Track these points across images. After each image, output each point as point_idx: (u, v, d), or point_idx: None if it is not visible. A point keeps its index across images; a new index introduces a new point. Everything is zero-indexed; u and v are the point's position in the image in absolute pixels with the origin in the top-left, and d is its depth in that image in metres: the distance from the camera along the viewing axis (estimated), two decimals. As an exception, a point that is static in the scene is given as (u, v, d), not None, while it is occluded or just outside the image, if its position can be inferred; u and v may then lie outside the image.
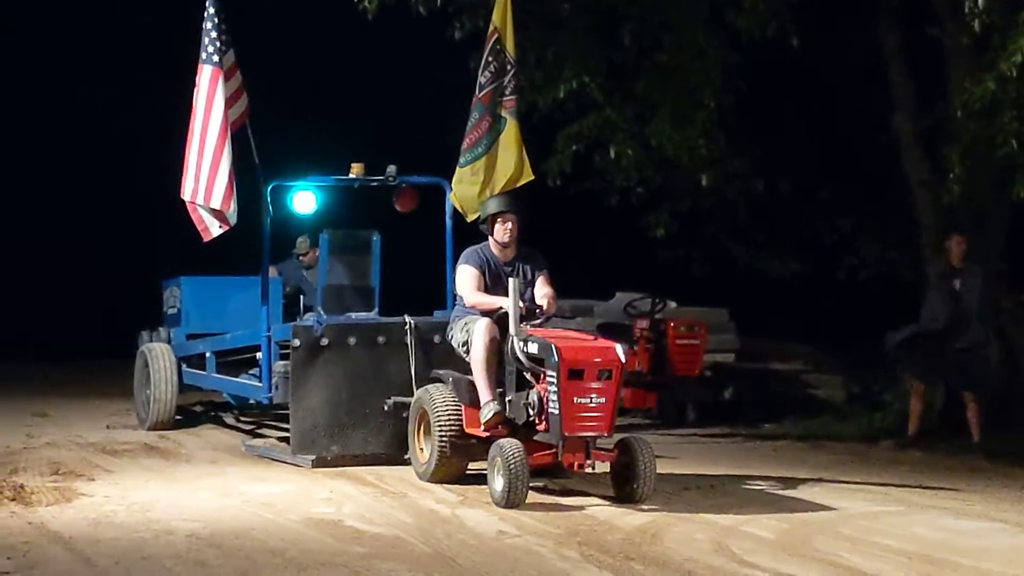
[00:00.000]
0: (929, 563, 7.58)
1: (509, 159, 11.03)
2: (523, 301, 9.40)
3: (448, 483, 9.74)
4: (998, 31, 11.31)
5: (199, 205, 11.17)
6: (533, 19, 13.28)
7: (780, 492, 9.89)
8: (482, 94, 11.08)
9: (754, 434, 13.68)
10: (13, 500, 8.97)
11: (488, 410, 9.28)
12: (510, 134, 11.08)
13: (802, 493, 9.84)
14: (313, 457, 10.58)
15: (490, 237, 9.85)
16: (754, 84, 14.48)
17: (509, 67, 11.11)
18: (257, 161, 11.54)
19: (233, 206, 11.05)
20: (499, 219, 9.76)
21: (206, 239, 11.32)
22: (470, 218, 10.95)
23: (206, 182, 11.09)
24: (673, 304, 14.94)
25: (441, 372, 10.04)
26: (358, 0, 13.14)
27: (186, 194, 11.21)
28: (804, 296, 18.41)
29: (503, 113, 11.10)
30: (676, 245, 15.73)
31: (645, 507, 9.00)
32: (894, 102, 14.27)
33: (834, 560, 7.59)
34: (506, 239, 9.77)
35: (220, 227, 11.19)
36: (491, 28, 11.20)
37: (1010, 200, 12.29)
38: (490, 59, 11.08)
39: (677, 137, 13.84)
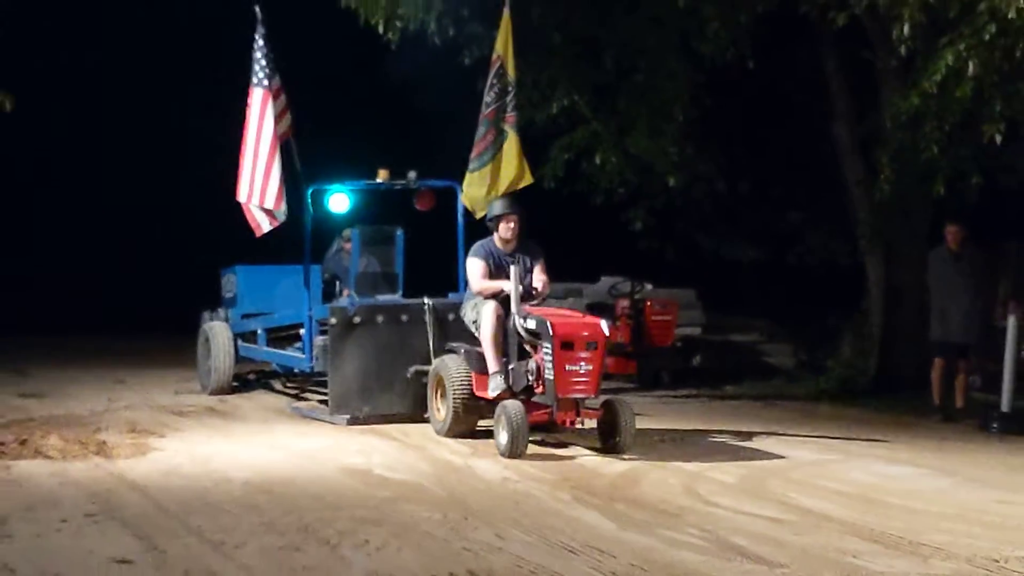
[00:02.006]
0: (865, 502, 7.61)
1: (511, 166, 11.05)
2: (522, 285, 9.42)
3: (461, 438, 9.75)
4: (921, 54, 11.29)
5: (253, 206, 11.20)
6: (530, 47, 13.24)
7: (740, 444, 9.91)
8: (488, 111, 11.09)
9: (717, 395, 13.67)
10: (97, 454, 9.00)
11: (496, 384, 9.32)
12: (511, 145, 11.09)
13: (758, 444, 9.86)
14: (348, 416, 10.59)
15: (495, 233, 9.86)
16: (716, 100, 14.45)
17: (510, 88, 11.11)
18: (299, 168, 11.54)
19: (283, 206, 11.09)
20: (503, 219, 9.77)
21: (259, 235, 11.38)
22: (478, 216, 10.95)
23: (260, 186, 11.14)
24: (650, 286, 14.93)
25: (455, 345, 10.07)
26: (383, 31, 13.12)
27: (242, 196, 11.25)
28: (760, 279, 18.43)
29: (505, 127, 11.10)
30: (652, 236, 15.69)
31: (626, 457, 9.02)
32: (834, 114, 14.25)
33: (785, 500, 7.61)
34: (508, 236, 9.78)
35: (270, 224, 11.24)
36: (495, 55, 11.19)
37: (931, 196, 12.25)
38: (494, 82, 11.08)
39: (652, 146, 13.85)
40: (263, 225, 11.29)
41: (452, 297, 11.15)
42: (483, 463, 8.81)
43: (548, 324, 8.89)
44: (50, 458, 8.81)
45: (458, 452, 9.27)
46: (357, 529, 6.69)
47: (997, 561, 6.19)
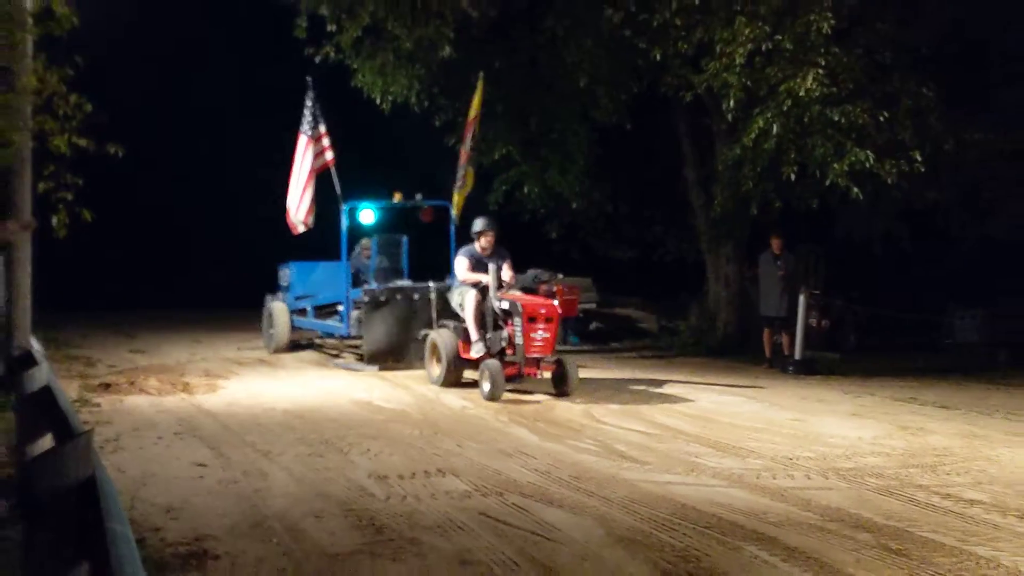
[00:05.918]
0: (704, 419, 7.65)
1: (468, 185, 11.26)
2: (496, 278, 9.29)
3: (450, 387, 9.30)
4: (742, 120, 11.36)
5: (294, 218, 11.32)
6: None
7: (621, 381, 9.91)
8: (464, 157, 11.19)
9: (606, 350, 13.66)
10: (182, 391, 8.88)
11: (478, 348, 9.07)
12: (470, 176, 11.20)
13: (634, 383, 9.86)
14: (377, 367, 10.42)
15: (476, 242, 9.59)
16: (606, 149, 14.49)
17: (477, 137, 11.21)
18: (339, 192, 11.36)
19: (311, 219, 11.19)
20: (483, 234, 9.51)
21: (295, 233, 11.51)
22: (454, 215, 11.15)
23: (296, 203, 11.27)
24: (561, 275, 14.82)
25: (444, 321, 9.83)
26: (379, 102, 13.04)
27: (291, 210, 11.33)
28: (635, 271, 18.44)
29: (469, 165, 11.15)
30: (562, 242, 15.67)
31: (541, 392, 8.94)
32: (684, 160, 14.30)
33: (652, 420, 7.62)
34: (487, 246, 9.52)
35: (304, 228, 11.37)
36: (473, 114, 11.18)
37: (749, 215, 12.36)
38: (476, 134, 11.14)
39: (563, 180, 13.89)
40: (298, 227, 11.47)
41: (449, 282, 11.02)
42: (449, 396, 8.76)
43: (518, 304, 8.77)
44: (149, 394, 8.67)
45: (432, 390, 9.19)
46: (362, 441, 6.64)
47: (791, 459, 6.24)
